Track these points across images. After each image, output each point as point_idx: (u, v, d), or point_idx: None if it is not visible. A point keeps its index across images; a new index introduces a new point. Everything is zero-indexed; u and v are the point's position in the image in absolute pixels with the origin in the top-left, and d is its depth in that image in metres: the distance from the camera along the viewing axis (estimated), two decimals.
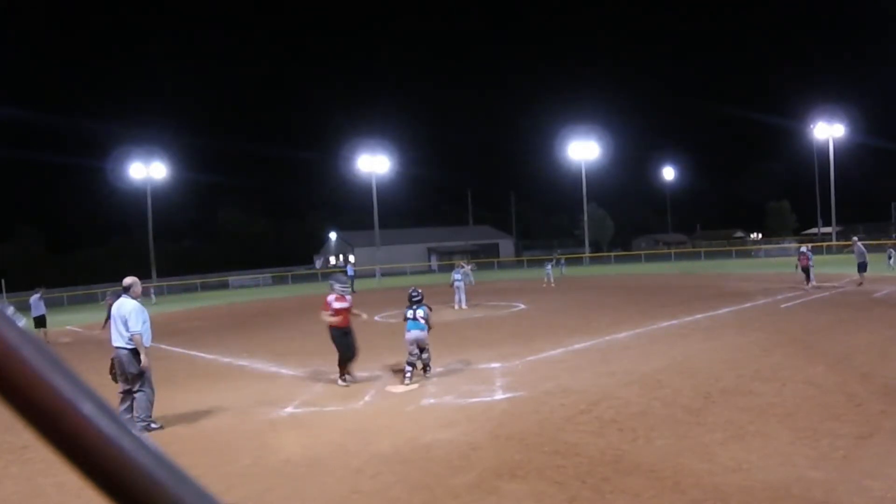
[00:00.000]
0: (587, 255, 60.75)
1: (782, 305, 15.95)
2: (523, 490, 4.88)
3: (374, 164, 59.11)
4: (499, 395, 8.02)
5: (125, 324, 7.29)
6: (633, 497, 4.61)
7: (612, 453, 5.53)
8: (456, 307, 20.31)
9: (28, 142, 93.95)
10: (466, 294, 21.35)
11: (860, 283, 19.28)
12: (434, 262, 64.90)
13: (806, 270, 19.66)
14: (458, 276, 21.23)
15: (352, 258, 67.79)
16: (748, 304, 16.46)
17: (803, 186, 66.65)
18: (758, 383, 7.75)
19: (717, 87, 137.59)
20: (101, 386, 7.32)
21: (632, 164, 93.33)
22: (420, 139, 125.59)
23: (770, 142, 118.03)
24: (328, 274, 60.19)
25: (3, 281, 44.46)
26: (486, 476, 5.22)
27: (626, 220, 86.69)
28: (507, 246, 76.43)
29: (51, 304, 34.30)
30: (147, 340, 7.43)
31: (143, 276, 55.60)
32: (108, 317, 19.56)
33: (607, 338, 12.09)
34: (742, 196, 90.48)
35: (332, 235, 77.76)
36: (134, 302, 7.45)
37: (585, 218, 64.15)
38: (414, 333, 9.12)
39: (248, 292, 44.61)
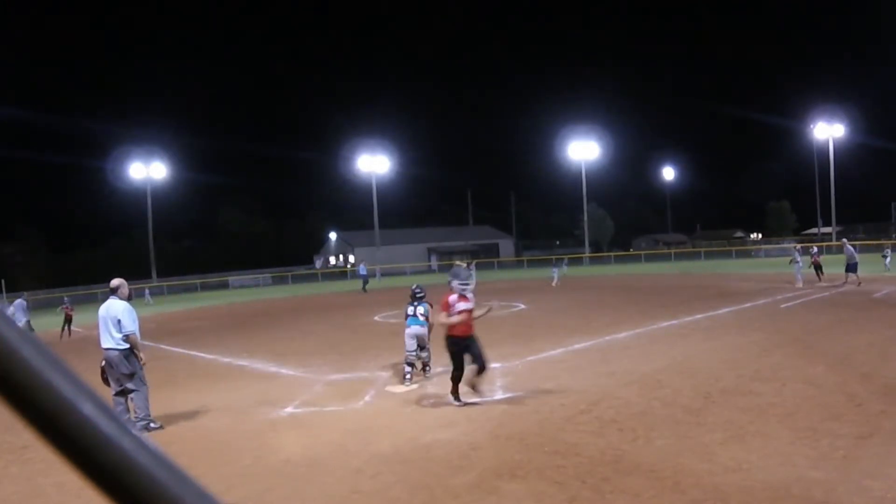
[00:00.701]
0: (587, 255, 60.76)
1: (782, 305, 15.95)
2: (523, 490, 4.88)
3: (374, 164, 59.17)
4: (499, 395, 8.02)
5: (117, 325, 7.26)
6: (633, 497, 4.61)
7: (612, 453, 5.53)
8: None
9: (28, 142, 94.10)
10: None
11: (859, 283, 19.30)
12: (434, 262, 64.89)
13: (818, 267, 21.20)
14: None
15: (352, 258, 67.84)
16: (748, 304, 16.46)
17: (803, 186, 66.75)
18: (758, 383, 7.75)
19: (717, 87, 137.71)
20: (101, 386, 7.32)
21: (632, 164, 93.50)
22: (420, 139, 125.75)
23: (770, 142, 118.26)
24: (328, 274, 60.61)
25: (2, 281, 44.47)
26: (486, 476, 5.21)
27: (626, 220, 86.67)
28: (507, 246, 76.45)
29: (51, 304, 34.36)
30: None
31: (143, 276, 55.83)
32: (66, 325, 19.67)
33: (607, 338, 12.09)
34: (742, 196, 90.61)
35: (332, 235, 77.79)
36: (123, 302, 7.43)
37: (585, 218, 64.17)
38: (414, 329, 9.13)
39: (248, 292, 44.60)
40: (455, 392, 7.61)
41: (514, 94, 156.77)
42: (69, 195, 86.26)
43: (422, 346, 9.22)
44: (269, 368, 11.26)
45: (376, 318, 19.09)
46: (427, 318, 9.21)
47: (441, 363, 10.11)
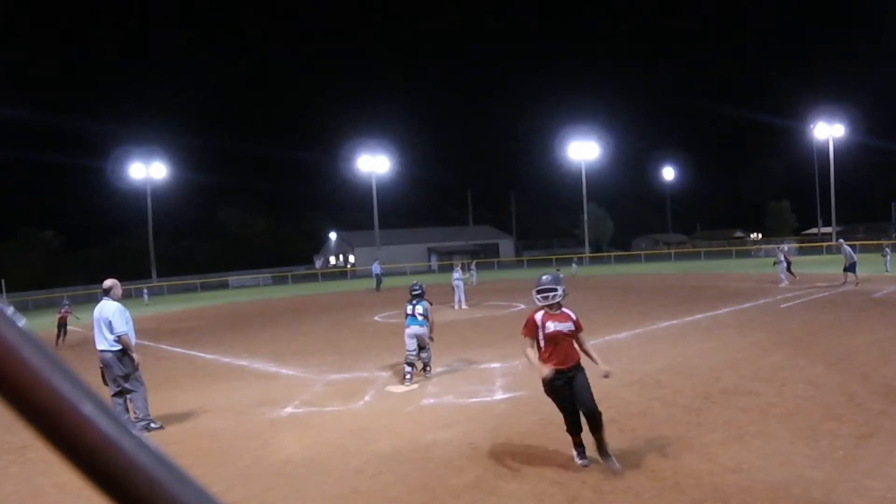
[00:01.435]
0: (587, 255, 60.76)
1: (782, 305, 15.96)
2: (523, 490, 4.88)
3: (374, 164, 59.23)
4: (499, 395, 8.02)
5: (109, 326, 7.25)
6: (633, 497, 4.61)
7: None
8: (455, 307, 20.35)
9: (29, 142, 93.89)
10: (466, 294, 21.43)
11: (857, 283, 19.33)
12: (434, 262, 64.92)
13: (788, 265, 22.03)
14: (457, 276, 21.35)
15: (352, 258, 67.86)
16: (748, 304, 16.47)
17: (803, 186, 66.81)
18: (758, 383, 7.75)
19: (717, 87, 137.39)
20: (100, 386, 7.32)
21: (632, 164, 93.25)
22: (420, 139, 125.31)
23: (770, 142, 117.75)
24: (328, 274, 60.64)
25: (2, 281, 44.47)
26: (486, 476, 5.22)
27: (626, 220, 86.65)
28: (507, 246, 76.42)
29: (50, 305, 34.38)
30: (131, 340, 7.42)
31: (143, 276, 55.77)
32: (62, 330, 18.23)
33: (607, 338, 12.08)
34: (742, 196, 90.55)
35: (332, 235, 77.77)
36: (116, 303, 7.41)
37: (585, 218, 64.20)
38: (413, 329, 9.11)
39: (247, 292, 44.59)
40: (578, 444, 5.34)
41: (515, 93, 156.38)
42: (69, 195, 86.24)
43: (422, 347, 9.21)
44: (269, 368, 11.26)
45: (376, 318, 19.10)
46: (426, 317, 9.19)
47: (441, 363, 10.11)
